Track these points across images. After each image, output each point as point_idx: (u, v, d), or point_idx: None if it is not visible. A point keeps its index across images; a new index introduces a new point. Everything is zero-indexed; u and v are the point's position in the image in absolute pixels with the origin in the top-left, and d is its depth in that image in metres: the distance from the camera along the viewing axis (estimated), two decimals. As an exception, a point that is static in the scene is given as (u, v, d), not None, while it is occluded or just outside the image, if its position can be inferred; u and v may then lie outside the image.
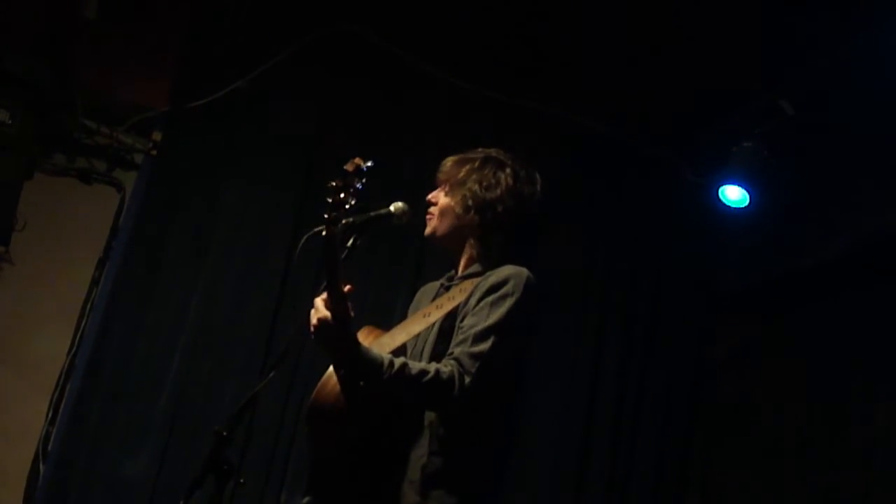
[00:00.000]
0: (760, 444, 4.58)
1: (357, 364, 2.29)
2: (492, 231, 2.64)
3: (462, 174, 2.70)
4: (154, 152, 4.39)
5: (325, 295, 2.31)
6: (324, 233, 2.23)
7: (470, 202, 2.64)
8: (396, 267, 4.42)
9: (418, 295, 2.88)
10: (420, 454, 2.39)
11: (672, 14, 4.16)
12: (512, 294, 2.45)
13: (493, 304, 2.44)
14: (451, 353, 2.39)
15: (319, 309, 2.31)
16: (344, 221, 2.28)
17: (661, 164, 4.91)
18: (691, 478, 4.71)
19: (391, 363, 2.29)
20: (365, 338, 2.52)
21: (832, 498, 4.14)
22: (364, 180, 2.23)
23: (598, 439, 4.58)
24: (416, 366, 2.32)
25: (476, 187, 2.65)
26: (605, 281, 4.80)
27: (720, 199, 4.52)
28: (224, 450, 2.28)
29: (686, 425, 4.75)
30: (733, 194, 4.48)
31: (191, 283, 4.22)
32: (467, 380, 2.32)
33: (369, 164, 2.24)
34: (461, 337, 2.42)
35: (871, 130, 4.08)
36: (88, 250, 4.30)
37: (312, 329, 2.32)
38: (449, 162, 2.76)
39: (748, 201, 4.46)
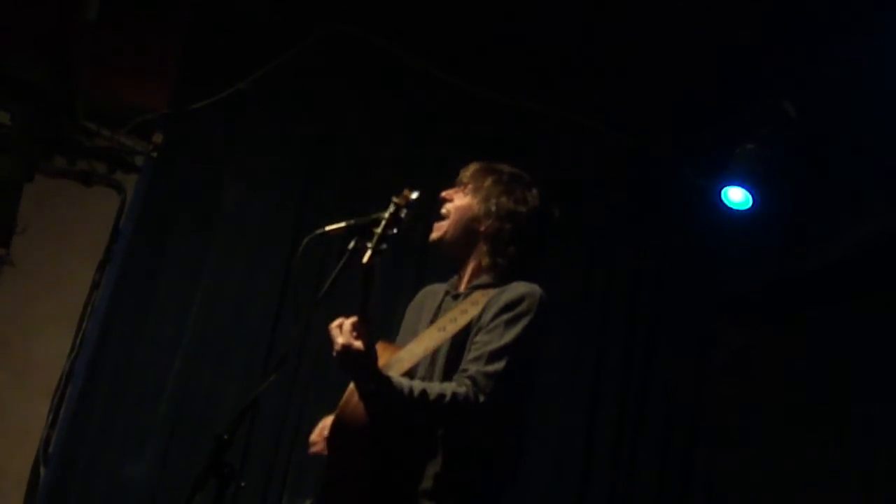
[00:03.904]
0: (763, 446, 4.57)
1: (381, 393, 2.32)
2: (507, 242, 2.65)
3: (489, 182, 2.72)
4: (155, 154, 4.39)
5: (353, 319, 2.32)
6: (364, 260, 2.26)
7: (493, 208, 2.67)
8: (398, 269, 4.41)
9: (420, 296, 2.87)
10: (433, 466, 2.42)
11: (675, 14, 4.15)
12: (527, 314, 2.48)
13: (508, 323, 2.46)
14: (466, 371, 2.42)
15: (346, 333, 2.31)
16: (345, 224, 2.31)
17: (664, 166, 4.90)
18: (695, 480, 4.70)
19: (411, 390, 2.33)
20: (381, 354, 2.52)
21: (835, 499, 4.13)
22: (409, 211, 2.28)
23: (600, 442, 4.57)
24: (433, 389, 2.35)
25: (503, 197, 2.68)
26: (606, 283, 4.80)
27: (722, 201, 4.50)
28: (225, 453, 2.27)
29: (689, 427, 4.73)
30: (736, 196, 4.47)
31: (192, 285, 4.21)
32: (482, 398, 2.36)
33: (415, 195, 2.30)
34: (475, 354, 2.44)
35: (874, 132, 4.07)
36: (89, 252, 4.29)
37: (337, 353, 2.32)
38: (475, 166, 2.78)
39: (751, 203, 4.45)
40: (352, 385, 2.43)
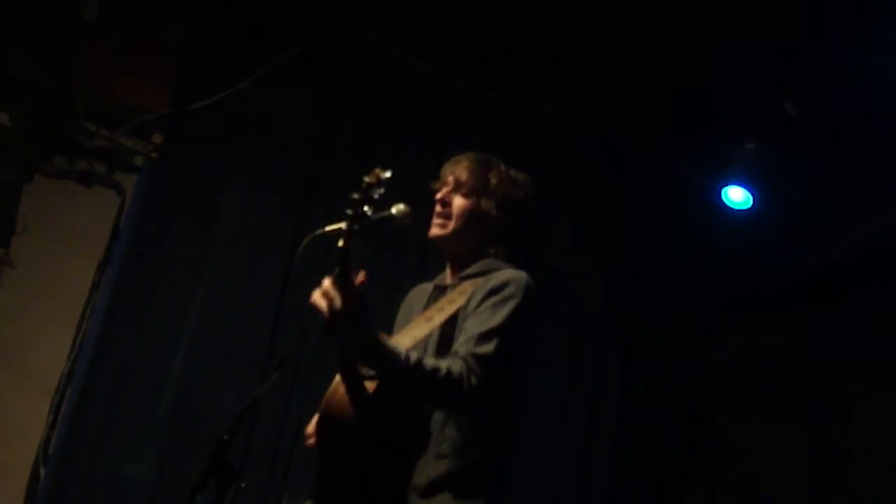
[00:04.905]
0: (763, 445, 4.56)
1: (374, 351, 2.24)
2: (505, 232, 2.67)
3: (482, 177, 2.70)
4: (154, 155, 4.39)
5: (328, 279, 2.24)
6: (340, 243, 2.21)
7: (503, 201, 2.68)
8: (398, 269, 4.41)
9: (409, 296, 2.88)
10: (424, 460, 2.41)
11: (674, 14, 4.15)
12: (514, 297, 2.47)
13: (496, 307, 2.45)
14: (456, 353, 2.39)
15: (327, 290, 2.20)
16: (345, 224, 2.28)
17: (664, 166, 4.90)
18: (695, 478, 4.70)
19: (408, 356, 2.27)
20: None
21: (836, 497, 4.13)
22: (382, 191, 2.23)
23: (601, 441, 4.56)
24: (429, 362, 2.32)
25: (501, 190, 2.69)
26: (607, 283, 4.79)
27: (722, 201, 4.50)
28: (225, 453, 2.27)
29: (689, 426, 4.73)
30: (736, 196, 4.47)
31: (191, 285, 4.21)
32: (474, 380, 2.33)
33: (387, 174, 2.23)
34: (465, 337, 2.42)
35: (874, 131, 4.07)
36: (89, 253, 4.30)
37: (324, 311, 2.20)
38: (465, 164, 2.74)
39: (751, 203, 4.44)
40: (337, 377, 2.40)
